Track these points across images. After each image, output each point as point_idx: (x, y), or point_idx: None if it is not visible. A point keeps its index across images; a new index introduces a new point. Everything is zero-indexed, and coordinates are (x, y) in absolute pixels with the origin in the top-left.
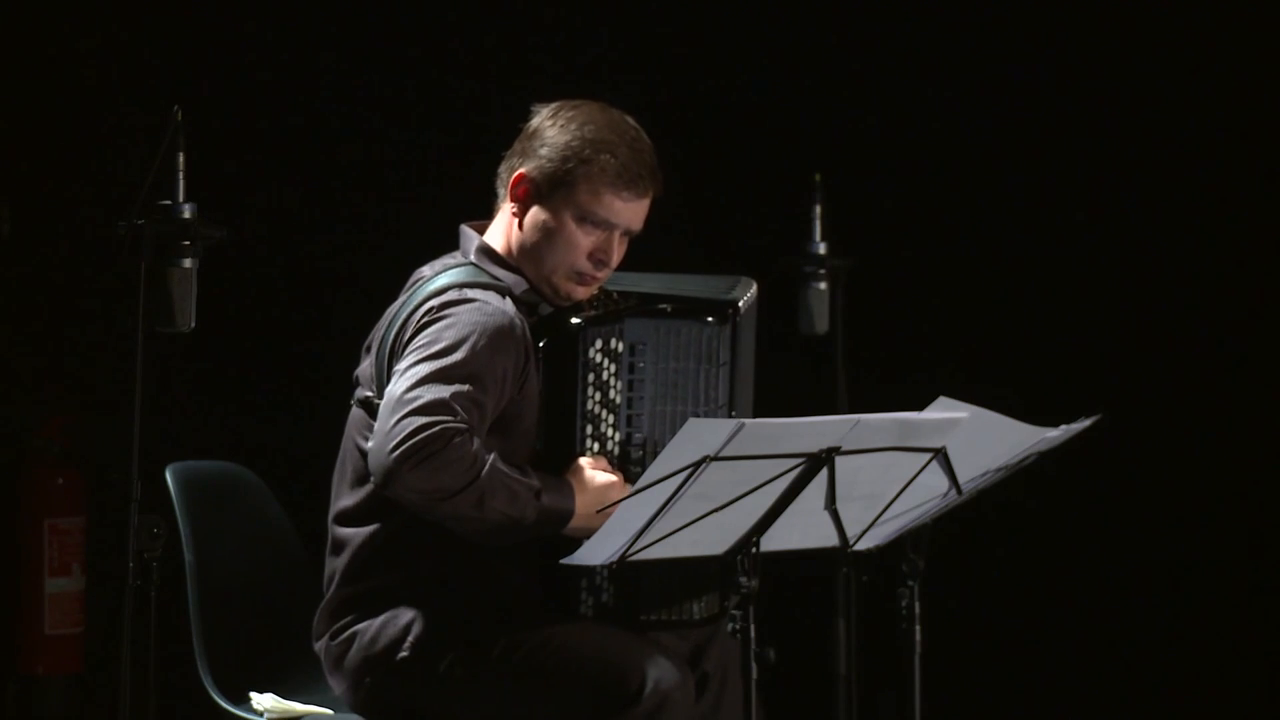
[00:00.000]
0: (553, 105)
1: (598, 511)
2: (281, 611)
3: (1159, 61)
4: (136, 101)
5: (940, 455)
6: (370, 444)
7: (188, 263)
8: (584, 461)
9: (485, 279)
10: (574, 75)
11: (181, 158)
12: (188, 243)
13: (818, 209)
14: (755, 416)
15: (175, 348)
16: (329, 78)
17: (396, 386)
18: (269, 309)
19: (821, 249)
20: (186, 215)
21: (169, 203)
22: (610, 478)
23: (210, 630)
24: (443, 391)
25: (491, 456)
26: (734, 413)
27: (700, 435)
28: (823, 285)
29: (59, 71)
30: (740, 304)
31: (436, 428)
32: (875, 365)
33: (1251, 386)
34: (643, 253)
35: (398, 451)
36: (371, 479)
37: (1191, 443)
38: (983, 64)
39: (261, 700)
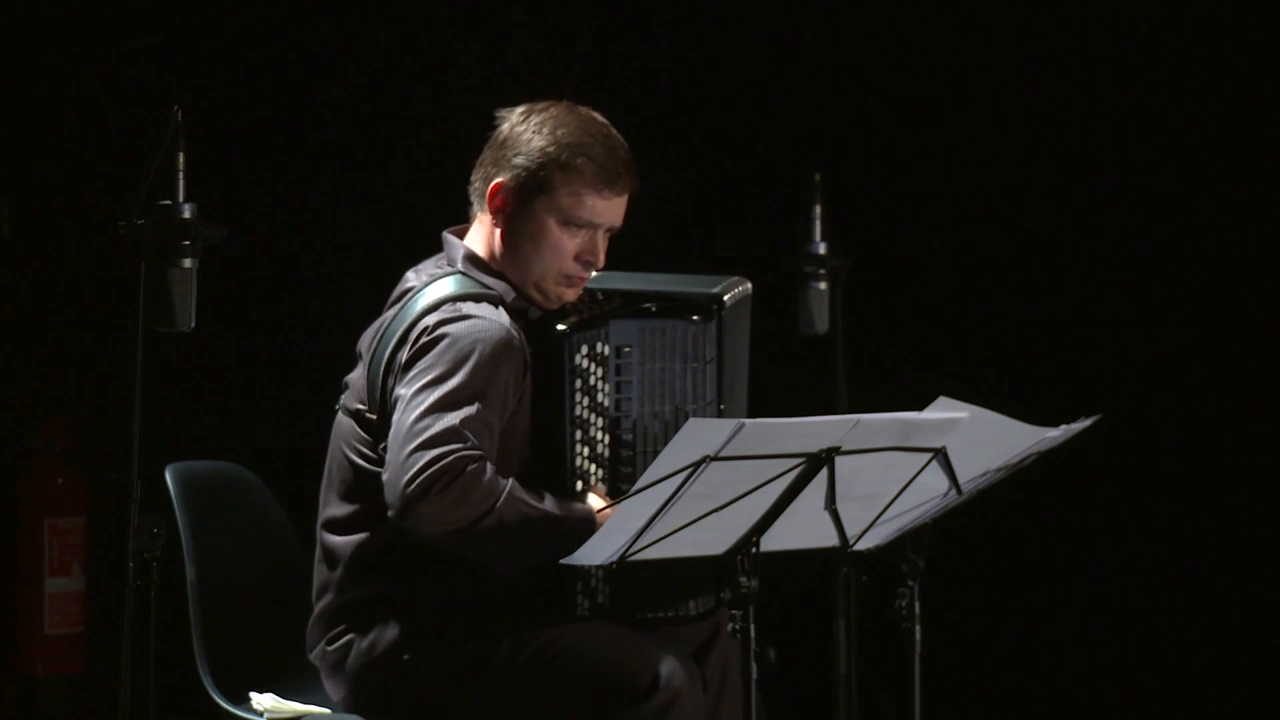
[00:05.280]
0: (519, 110)
1: (598, 510)
2: (281, 611)
3: (1159, 61)
4: (136, 101)
5: (940, 455)
6: (385, 476)
7: (188, 263)
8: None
9: (477, 289)
10: (574, 75)
11: (181, 158)
12: (188, 243)
13: (818, 209)
14: (752, 414)
15: (175, 348)
16: (329, 77)
17: (405, 417)
18: (269, 309)
19: (821, 249)
20: (186, 215)
21: (169, 203)
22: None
23: (210, 630)
24: (452, 419)
25: (509, 484)
26: (723, 408)
27: (700, 435)
28: (823, 285)
29: (59, 71)
30: (726, 299)
31: (450, 457)
32: (875, 365)
33: (1251, 386)
34: (643, 253)
35: (413, 485)
36: (389, 511)
37: (1192, 443)
38: (983, 64)
39: (261, 700)
